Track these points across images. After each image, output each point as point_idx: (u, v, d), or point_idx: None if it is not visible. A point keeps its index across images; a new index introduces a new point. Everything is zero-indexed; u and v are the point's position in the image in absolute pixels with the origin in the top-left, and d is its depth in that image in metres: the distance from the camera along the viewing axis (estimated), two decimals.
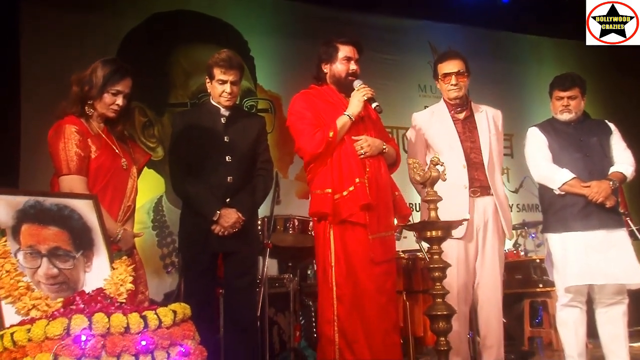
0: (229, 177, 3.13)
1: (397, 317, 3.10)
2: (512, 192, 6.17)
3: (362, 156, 3.10)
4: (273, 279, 4.19)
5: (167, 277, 5.56)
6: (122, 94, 2.75)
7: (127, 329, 1.83)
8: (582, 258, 3.31)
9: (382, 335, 2.97)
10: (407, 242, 4.88)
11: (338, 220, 3.03)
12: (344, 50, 3.22)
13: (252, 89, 6.31)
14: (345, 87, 3.22)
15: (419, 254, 4.38)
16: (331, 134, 3.06)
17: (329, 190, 3.05)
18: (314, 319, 4.28)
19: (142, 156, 2.99)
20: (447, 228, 2.60)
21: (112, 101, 2.72)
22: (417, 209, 5.43)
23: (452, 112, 3.50)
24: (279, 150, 6.14)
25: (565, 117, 3.57)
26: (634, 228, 4.62)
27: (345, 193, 3.03)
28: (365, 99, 3.11)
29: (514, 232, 6.04)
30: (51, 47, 5.33)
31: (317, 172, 3.14)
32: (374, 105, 3.13)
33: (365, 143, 3.11)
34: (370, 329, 2.96)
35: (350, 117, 3.10)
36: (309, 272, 4.77)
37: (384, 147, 3.18)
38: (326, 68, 3.27)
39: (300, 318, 4.26)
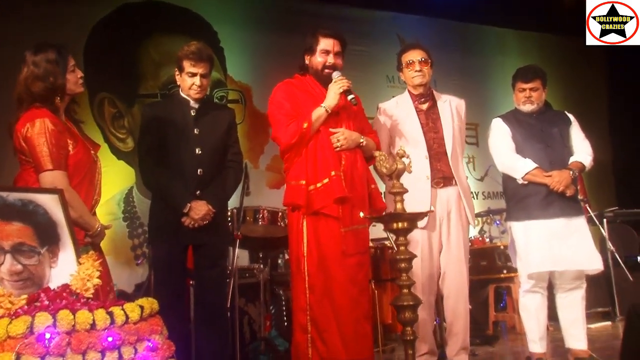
0: (199, 170, 3.15)
1: (369, 307, 3.14)
2: (478, 180, 6.33)
3: (337, 149, 3.13)
4: (243, 270, 4.23)
5: (138, 268, 5.56)
6: (75, 65, 2.72)
7: (93, 325, 1.83)
8: (544, 245, 3.42)
9: (353, 324, 3.02)
10: (375, 230, 4.95)
11: (311, 211, 3.07)
12: (323, 43, 3.23)
13: (222, 79, 6.31)
14: (323, 79, 3.24)
15: (386, 242, 4.46)
16: (305, 125, 3.09)
17: (303, 182, 3.08)
18: (284, 308, 4.34)
19: (94, 145, 2.95)
20: (413, 220, 2.66)
21: (76, 77, 2.70)
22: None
23: (416, 102, 3.54)
24: (250, 141, 6.17)
25: (527, 108, 3.65)
26: (592, 214, 4.77)
27: (319, 185, 3.07)
28: (341, 91, 3.12)
29: (479, 219, 6.19)
30: (20, 36, 5.23)
31: (292, 163, 3.17)
32: (349, 97, 3.14)
33: (342, 136, 3.14)
34: (342, 318, 3.01)
35: (326, 110, 3.12)
36: (279, 261, 4.82)
37: (362, 140, 3.19)
38: (307, 59, 3.29)
39: (271, 308, 4.31)
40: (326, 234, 3.06)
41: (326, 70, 3.22)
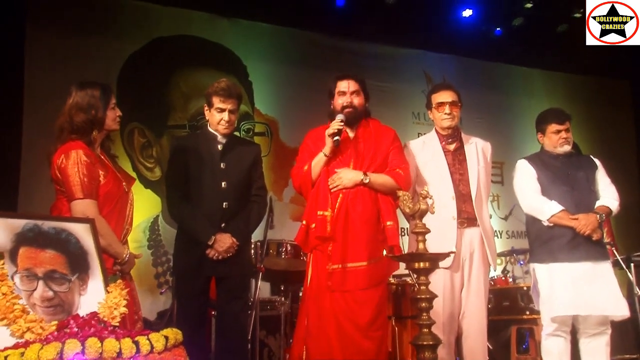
0: (224, 203, 3.22)
1: (371, 348, 3.09)
2: (502, 219, 6.29)
3: (334, 189, 3.23)
4: (265, 302, 4.25)
5: (161, 296, 5.60)
6: (116, 105, 2.86)
7: (119, 354, 1.87)
8: (569, 289, 3.39)
9: None
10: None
11: (309, 250, 3.27)
12: (339, 85, 3.37)
13: (250, 112, 6.43)
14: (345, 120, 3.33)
15: (407, 279, 4.45)
16: (305, 168, 3.30)
17: (304, 222, 3.27)
18: None
19: (129, 179, 3.07)
20: (435, 260, 2.68)
21: (114, 114, 2.84)
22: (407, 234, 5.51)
23: (443, 142, 3.58)
24: (274, 173, 6.25)
25: (565, 149, 3.67)
26: (619, 258, 4.70)
27: (313, 225, 3.21)
28: (327, 134, 3.23)
29: (502, 258, 6.14)
30: (54, 69, 5.45)
31: (307, 204, 3.35)
32: (334, 139, 3.21)
33: (337, 177, 3.25)
34: (326, 352, 3.05)
35: (324, 154, 3.27)
36: (300, 294, 4.84)
37: (363, 178, 3.23)
38: (332, 104, 3.43)
39: (291, 340, 4.31)
40: (321, 270, 3.18)
41: (346, 110, 3.31)
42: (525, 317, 5.22)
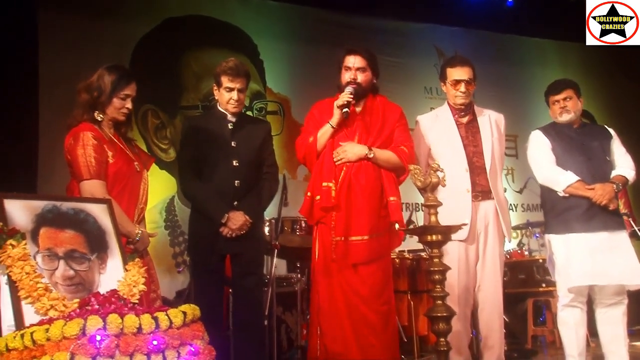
0: (236, 181, 3.24)
1: (378, 322, 3.13)
2: (517, 192, 6.27)
3: (338, 162, 3.24)
4: (281, 279, 4.30)
5: (179, 276, 5.69)
6: (130, 98, 2.86)
7: (139, 329, 1.91)
8: (585, 259, 3.37)
9: (353, 334, 3.08)
10: (412, 242, 4.98)
11: (314, 222, 3.29)
12: (346, 60, 3.35)
13: (262, 91, 6.43)
14: None
15: (423, 254, 4.48)
16: (310, 139, 3.31)
17: (309, 194, 3.28)
18: None
19: (147, 159, 3.11)
20: (447, 232, 2.69)
21: (122, 105, 2.83)
22: (422, 209, 5.53)
23: (456, 116, 3.57)
24: (288, 152, 6.25)
25: (565, 118, 3.64)
26: (636, 228, 4.69)
27: (318, 197, 3.23)
28: (336, 105, 3.23)
29: (518, 231, 6.14)
30: (67, 52, 5.47)
31: (311, 176, 3.36)
32: (343, 111, 3.22)
33: (342, 150, 3.25)
34: (339, 326, 3.10)
35: (330, 125, 3.27)
36: (311, 270, 4.88)
37: (367, 153, 3.24)
38: (339, 77, 3.40)
39: (307, 316, 4.36)
40: (327, 243, 3.21)
41: (350, 85, 3.30)
42: (541, 289, 5.24)
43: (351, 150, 3.25)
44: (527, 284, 5.33)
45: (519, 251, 5.88)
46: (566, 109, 3.63)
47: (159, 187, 5.82)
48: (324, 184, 3.21)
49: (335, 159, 3.25)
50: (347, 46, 3.41)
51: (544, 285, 5.21)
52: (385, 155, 3.29)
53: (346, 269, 3.15)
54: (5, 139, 4.90)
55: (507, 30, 7.57)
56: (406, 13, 6.92)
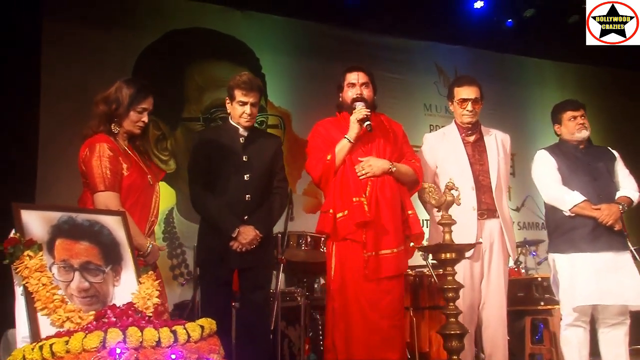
0: (247, 195, 3.25)
1: (394, 335, 3.15)
2: (514, 210, 6.29)
3: (362, 177, 3.24)
4: (284, 293, 4.28)
5: (177, 288, 5.65)
6: (147, 111, 2.88)
7: (158, 342, 1.91)
8: (591, 278, 3.40)
9: (368, 351, 3.07)
10: (414, 258, 5.00)
11: (339, 239, 3.23)
12: (348, 78, 3.39)
13: (263, 105, 6.44)
14: (353, 111, 3.35)
15: (425, 270, 4.49)
16: (329, 157, 3.28)
17: (331, 211, 3.24)
18: (321, 332, 4.38)
19: (158, 172, 3.13)
20: (461, 251, 2.72)
21: (138, 118, 2.85)
22: (426, 226, 5.55)
23: (463, 134, 3.61)
24: (288, 166, 6.11)
25: (583, 134, 3.68)
26: (632, 249, 4.72)
27: (345, 212, 3.20)
28: (357, 119, 3.24)
29: (516, 249, 6.16)
30: (70, 62, 5.49)
31: (325, 193, 3.35)
32: (365, 124, 3.24)
33: (367, 164, 3.26)
34: (354, 342, 3.09)
35: (348, 140, 3.26)
36: (315, 286, 4.88)
37: (390, 167, 3.27)
38: (341, 97, 3.44)
39: (309, 331, 4.36)
40: (350, 258, 3.19)
41: (355, 103, 3.32)
42: (539, 307, 5.25)
43: (376, 164, 3.26)
44: (525, 302, 5.33)
45: (515, 269, 5.90)
46: (585, 125, 3.69)
47: None
48: (355, 199, 3.18)
49: (359, 174, 3.25)
50: (347, 67, 3.45)
51: (542, 303, 5.22)
52: (405, 168, 3.34)
53: (369, 284, 3.14)
54: (5, 149, 4.87)
55: (506, 50, 7.67)
56: (408, 30, 7.00)
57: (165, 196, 5.89)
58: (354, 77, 3.37)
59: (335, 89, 3.52)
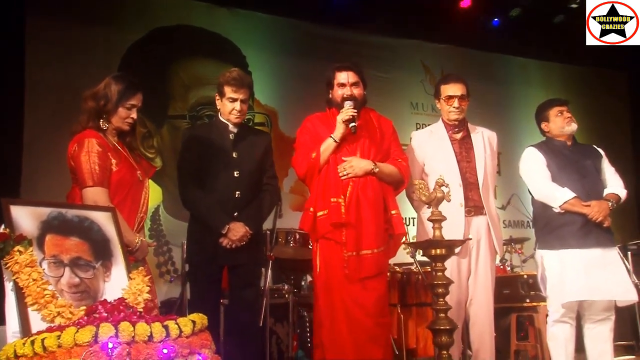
0: (237, 192, 3.25)
1: (380, 333, 3.17)
2: (500, 208, 6.34)
3: (344, 177, 3.25)
4: (272, 290, 4.28)
5: (163, 285, 5.62)
6: (136, 108, 2.86)
7: (150, 337, 1.91)
8: (580, 274, 3.42)
9: (355, 347, 3.09)
10: (401, 256, 5.02)
11: (318, 236, 3.26)
12: (338, 77, 3.38)
13: (250, 103, 6.42)
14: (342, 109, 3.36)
15: (412, 267, 4.51)
16: (313, 155, 3.29)
17: (312, 209, 3.26)
18: (308, 329, 4.39)
19: (148, 168, 3.12)
20: (451, 247, 2.74)
21: (127, 115, 2.84)
22: (413, 224, 5.58)
23: (450, 132, 3.63)
24: (274, 164, 6.26)
25: (572, 127, 3.71)
26: (616, 247, 4.78)
27: (325, 212, 3.23)
28: (342, 120, 3.25)
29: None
30: (55, 59, 5.44)
31: (310, 191, 3.37)
32: (350, 125, 3.25)
33: (348, 164, 3.27)
34: (340, 340, 3.11)
35: (334, 140, 3.28)
36: (302, 283, 4.88)
37: (373, 167, 3.27)
38: (330, 93, 3.44)
39: (297, 329, 4.36)
40: (332, 258, 3.21)
41: (346, 102, 3.32)
42: (525, 305, 5.29)
43: (358, 165, 3.27)
44: (511, 299, 5.37)
45: (501, 267, 5.94)
46: (572, 119, 3.73)
47: None
48: (333, 199, 3.21)
49: (340, 174, 3.26)
50: (335, 64, 3.44)
51: (528, 300, 5.27)
52: (388, 169, 3.34)
53: (352, 283, 3.16)
54: None
55: (492, 49, 7.74)
56: (395, 29, 7.03)
57: (152, 194, 5.82)
58: (343, 77, 3.36)
59: (322, 87, 3.52)
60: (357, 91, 3.37)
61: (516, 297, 5.32)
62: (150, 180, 5.66)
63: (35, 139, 5.17)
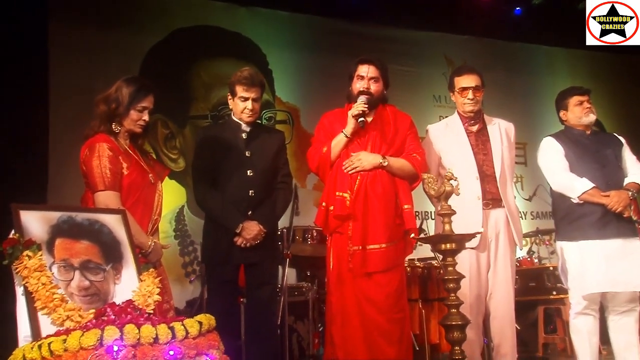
0: (250, 191, 3.26)
1: (393, 329, 3.13)
2: (526, 200, 6.25)
3: (351, 172, 3.23)
4: (292, 288, 4.29)
5: (189, 285, 5.68)
6: (148, 110, 2.89)
7: (156, 339, 1.92)
8: (600, 266, 3.36)
9: (365, 345, 3.07)
10: (423, 250, 4.97)
11: (330, 231, 3.28)
12: (359, 69, 3.35)
13: (271, 100, 6.45)
14: None
15: (434, 262, 4.47)
16: (324, 149, 3.30)
17: (324, 204, 3.28)
18: None
19: (162, 170, 3.14)
20: (461, 241, 2.70)
21: (139, 117, 2.86)
22: (432, 217, 5.52)
23: (466, 124, 3.58)
24: (297, 161, 6.26)
25: (591, 118, 3.63)
26: (638, 237, 4.65)
27: (332, 207, 3.23)
28: (352, 115, 3.23)
29: (528, 239, 6.12)
30: (78, 63, 5.54)
31: (324, 186, 3.36)
32: (359, 120, 3.22)
33: (356, 158, 3.25)
34: (351, 337, 3.09)
35: (345, 135, 3.26)
36: (325, 280, 4.88)
37: (382, 161, 3.24)
38: (350, 87, 3.42)
39: (319, 325, 4.36)
40: (342, 252, 3.21)
41: (362, 95, 3.30)
42: (552, 297, 5.21)
43: (365, 158, 3.24)
44: (537, 291, 5.30)
45: (528, 259, 5.86)
46: (592, 109, 3.65)
47: (169, 196, 5.78)
48: (338, 193, 3.21)
49: (348, 168, 3.25)
50: (360, 56, 3.40)
51: (554, 292, 5.18)
52: (399, 163, 3.30)
53: (362, 278, 3.14)
54: (15, 151, 4.93)
55: (515, 39, 7.58)
56: (416, 22, 6.95)
57: (176, 194, 5.94)
58: (364, 69, 3.33)
59: (343, 83, 3.49)
60: (374, 87, 3.34)
61: (543, 290, 5.25)
62: (173, 181, 5.89)
63: (59, 143, 5.26)
